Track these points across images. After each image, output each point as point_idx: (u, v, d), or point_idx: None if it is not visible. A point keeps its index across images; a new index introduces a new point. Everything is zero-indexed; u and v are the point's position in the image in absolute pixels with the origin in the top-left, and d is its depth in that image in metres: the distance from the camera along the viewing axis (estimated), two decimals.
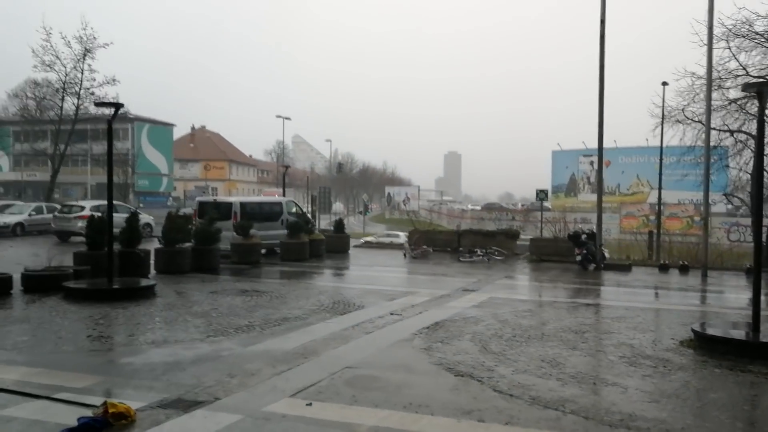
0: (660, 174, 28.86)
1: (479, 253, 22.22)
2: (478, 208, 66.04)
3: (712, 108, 19.22)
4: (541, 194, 28.29)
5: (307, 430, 5.43)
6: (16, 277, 12.77)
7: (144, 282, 13.49)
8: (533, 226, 32.34)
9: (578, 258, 20.04)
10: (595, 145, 21.08)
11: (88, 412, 5.53)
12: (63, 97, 41.57)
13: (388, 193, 76.77)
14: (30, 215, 29.77)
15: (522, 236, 25.71)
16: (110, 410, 5.45)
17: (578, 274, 18.84)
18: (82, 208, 26.92)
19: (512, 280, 17.60)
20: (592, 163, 60.91)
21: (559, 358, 8.07)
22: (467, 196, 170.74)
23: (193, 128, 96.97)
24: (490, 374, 7.25)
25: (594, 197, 27.51)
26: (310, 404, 6.06)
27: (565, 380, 7.07)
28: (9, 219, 29.01)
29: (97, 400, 5.82)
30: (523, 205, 65.86)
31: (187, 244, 16.96)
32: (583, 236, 20.65)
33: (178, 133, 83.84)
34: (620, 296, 14.54)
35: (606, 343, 9.12)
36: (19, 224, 28.93)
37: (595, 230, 21.05)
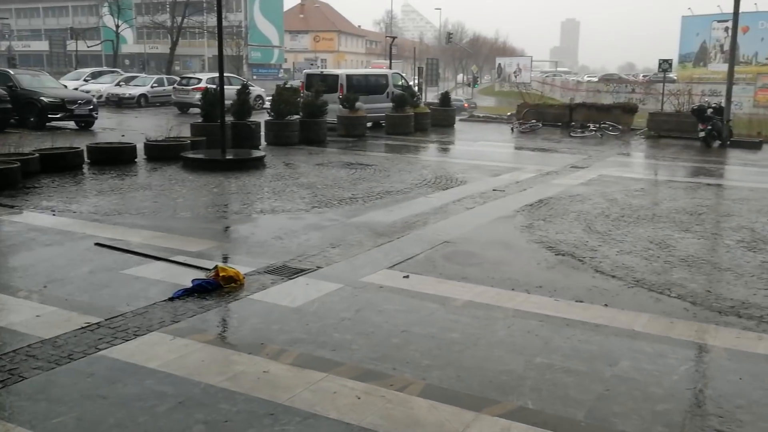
0: None
1: (592, 128, 21.12)
2: (595, 79, 62.05)
3: None
4: (664, 64, 25.91)
5: (403, 301, 5.57)
6: (140, 147, 13.63)
7: (255, 153, 14.02)
8: (654, 100, 30.01)
9: (701, 134, 18.61)
10: (732, 9, 18.80)
11: (201, 275, 5.95)
12: None
13: (499, 64, 73.18)
14: (152, 87, 31.24)
15: (641, 110, 24.05)
16: (221, 273, 5.82)
17: (700, 151, 17.58)
18: (199, 80, 27.79)
19: (626, 157, 16.71)
20: (726, 29, 54.50)
21: (669, 240, 7.70)
22: (584, 67, 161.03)
23: None
24: (593, 254, 7.06)
25: (725, 67, 25.01)
26: (407, 276, 6.19)
27: (673, 263, 6.77)
28: (133, 91, 30.62)
29: (210, 264, 6.24)
30: (644, 77, 61.11)
31: (295, 117, 17.27)
32: (709, 110, 19.01)
33: (288, 4, 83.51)
34: (746, 176, 13.48)
35: (724, 226, 8.58)
36: (143, 95, 30.50)
37: (723, 104, 19.31)
